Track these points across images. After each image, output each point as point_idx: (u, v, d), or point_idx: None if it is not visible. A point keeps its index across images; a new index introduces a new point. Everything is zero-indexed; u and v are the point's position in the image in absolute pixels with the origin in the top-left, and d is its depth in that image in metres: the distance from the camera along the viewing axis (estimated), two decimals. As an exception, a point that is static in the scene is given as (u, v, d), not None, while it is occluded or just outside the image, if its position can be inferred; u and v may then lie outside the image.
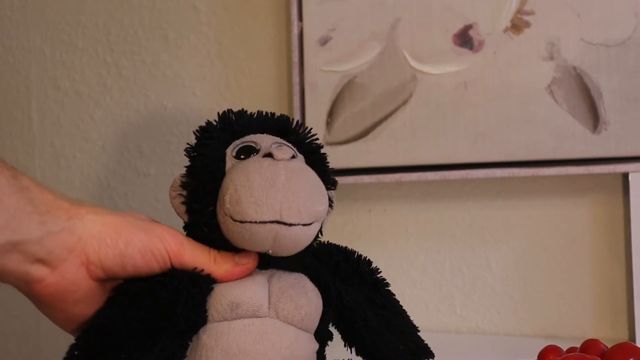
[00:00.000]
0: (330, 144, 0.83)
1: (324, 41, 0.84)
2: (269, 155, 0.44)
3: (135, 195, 0.96)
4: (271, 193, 0.41)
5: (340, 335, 0.51)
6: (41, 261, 0.41)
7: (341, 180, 0.83)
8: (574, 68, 0.76)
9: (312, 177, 0.44)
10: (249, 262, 0.46)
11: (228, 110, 0.49)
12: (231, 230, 0.43)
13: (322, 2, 0.83)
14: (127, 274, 0.44)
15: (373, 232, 0.87)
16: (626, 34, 0.74)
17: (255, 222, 0.42)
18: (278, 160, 0.43)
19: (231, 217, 0.42)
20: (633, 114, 0.74)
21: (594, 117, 0.75)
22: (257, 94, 0.91)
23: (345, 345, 0.51)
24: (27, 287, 0.42)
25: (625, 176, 0.77)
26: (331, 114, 0.83)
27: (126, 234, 0.43)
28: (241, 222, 0.42)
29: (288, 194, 0.42)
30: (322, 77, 0.84)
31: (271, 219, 0.42)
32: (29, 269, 0.41)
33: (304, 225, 0.43)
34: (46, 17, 1.00)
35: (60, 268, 0.42)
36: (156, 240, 0.44)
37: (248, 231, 0.42)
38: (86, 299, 0.43)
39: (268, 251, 0.44)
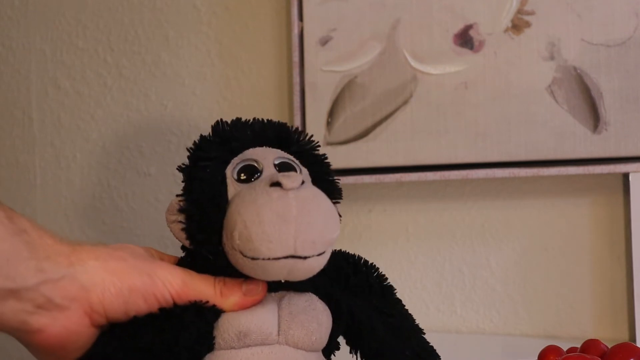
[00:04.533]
0: (330, 144, 0.83)
1: (324, 41, 0.84)
2: (277, 184, 0.40)
3: (135, 195, 0.96)
4: (284, 228, 0.39)
5: (345, 341, 0.50)
6: (40, 309, 0.39)
7: (341, 180, 0.83)
8: (575, 68, 0.76)
9: (324, 203, 0.42)
10: (258, 293, 0.44)
11: (221, 121, 0.46)
12: (242, 264, 0.41)
13: (322, 2, 0.83)
14: (129, 318, 0.42)
15: (373, 232, 0.87)
16: (626, 34, 0.74)
17: (269, 259, 0.40)
18: (287, 189, 0.40)
19: (242, 254, 0.40)
20: (633, 114, 0.74)
21: (594, 117, 0.75)
22: (257, 94, 0.91)
23: (350, 352, 0.50)
24: (26, 337, 0.41)
25: (625, 176, 0.77)
26: (331, 114, 0.83)
27: (129, 280, 0.42)
28: (253, 259, 0.40)
29: (301, 227, 0.40)
30: (323, 77, 0.83)
31: (285, 254, 0.40)
32: (27, 318, 0.39)
33: (318, 255, 0.41)
34: (46, 17, 1.00)
35: (62, 318, 0.40)
36: (159, 284, 0.42)
37: (261, 267, 0.40)
38: (86, 345, 0.42)
39: (280, 280, 0.43)
